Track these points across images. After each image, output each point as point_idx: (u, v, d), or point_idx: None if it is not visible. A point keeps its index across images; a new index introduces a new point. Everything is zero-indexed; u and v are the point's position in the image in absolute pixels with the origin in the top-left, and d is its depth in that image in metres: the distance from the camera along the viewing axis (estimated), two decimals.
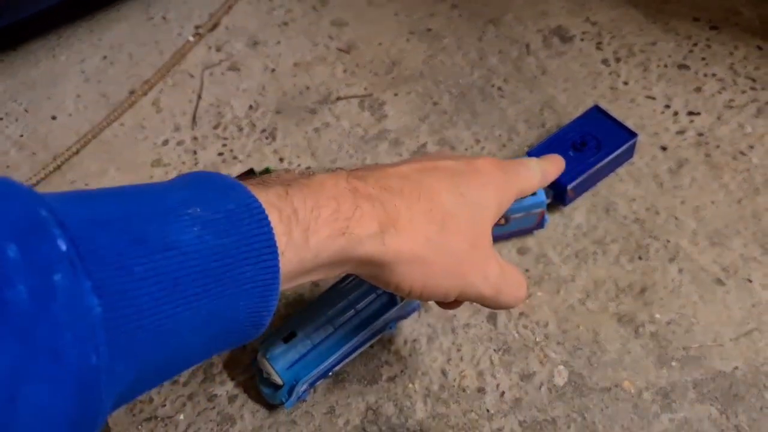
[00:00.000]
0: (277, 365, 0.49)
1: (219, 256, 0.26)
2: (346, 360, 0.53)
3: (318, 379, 0.51)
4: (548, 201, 0.57)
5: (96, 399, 0.22)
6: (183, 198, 0.27)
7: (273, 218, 0.28)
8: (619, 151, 0.58)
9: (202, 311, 0.26)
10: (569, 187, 0.57)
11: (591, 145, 0.59)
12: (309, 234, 0.30)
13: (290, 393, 0.50)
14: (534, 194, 0.55)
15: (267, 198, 0.29)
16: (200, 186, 0.28)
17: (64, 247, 0.21)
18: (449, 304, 0.42)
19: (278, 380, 0.49)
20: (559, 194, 0.58)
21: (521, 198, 0.54)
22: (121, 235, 0.24)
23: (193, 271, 0.25)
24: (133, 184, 0.28)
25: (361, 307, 0.51)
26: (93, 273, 0.22)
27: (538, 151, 0.60)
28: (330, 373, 0.53)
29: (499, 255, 0.40)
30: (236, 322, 0.28)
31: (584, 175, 0.57)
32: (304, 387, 0.50)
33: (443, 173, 0.37)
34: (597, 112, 0.61)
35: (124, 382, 0.24)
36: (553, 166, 0.47)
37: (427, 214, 0.35)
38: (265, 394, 0.51)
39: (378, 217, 0.33)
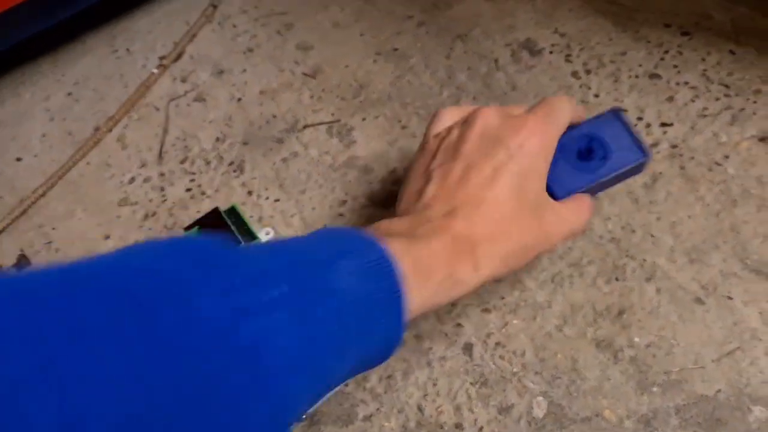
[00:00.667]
0: None
1: (365, 303, 0.33)
2: (321, 400, 0.51)
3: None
4: None
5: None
6: (338, 250, 0.34)
7: (402, 265, 0.35)
8: (625, 169, 0.50)
9: (353, 343, 0.32)
10: (560, 199, 0.49)
11: (597, 155, 0.50)
12: (429, 279, 0.37)
13: None
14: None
15: (397, 248, 0.36)
16: (345, 240, 0.35)
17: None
18: None
19: None
20: None
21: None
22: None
23: (351, 312, 0.32)
24: (281, 241, 0.35)
25: None
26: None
27: None
28: (304, 416, 0.51)
29: (558, 207, 0.46)
30: (372, 356, 0.36)
31: (582, 190, 0.49)
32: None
33: (507, 176, 0.42)
34: (613, 116, 0.51)
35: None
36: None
37: (498, 223, 0.41)
38: None
39: (469, 256, 0.40)
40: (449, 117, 0.48)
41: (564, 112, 0.47)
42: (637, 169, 0.52)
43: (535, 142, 0.43)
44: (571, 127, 0.50)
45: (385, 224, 0.41)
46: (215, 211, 0.57)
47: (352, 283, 0.32)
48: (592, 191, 0.52)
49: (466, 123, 0.46)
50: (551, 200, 0.46)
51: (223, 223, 0.56)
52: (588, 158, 0.50)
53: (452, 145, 0.45)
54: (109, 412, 0.22)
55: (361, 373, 0.53)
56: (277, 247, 0.33)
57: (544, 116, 0.45)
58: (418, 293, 0.36)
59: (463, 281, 0.39)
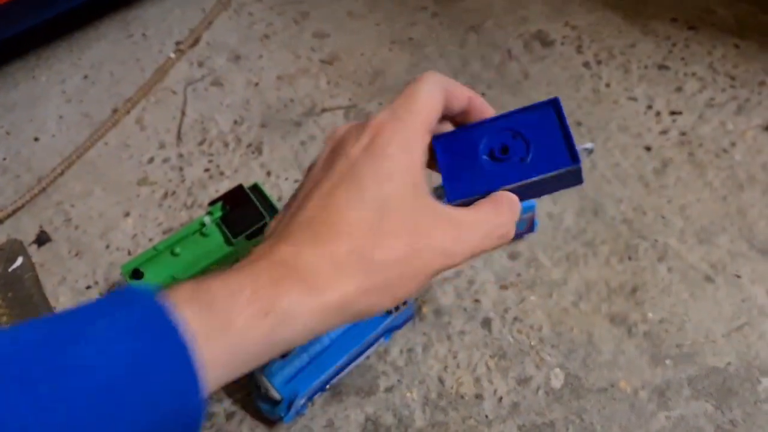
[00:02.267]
0: (275, 381, 0.49)
1: (133, 370, 0.27)
2: (343, 372, 0.53)
3: (316, 392, 0.51)
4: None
5: None
6: (92, 315, 0.28)
7: (187, 315, 0.28)
8: (543, 177, 0.38)
9: (126, 419, 0.26)
10: (450, 202, 0.38)
11: (516, 155, 0.38)
12: (231, 321, 0.29)
13: (289, 407, 0.49)
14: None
15: (178, 296, 0.29)
16: (111, 301, 0.29)
17: None
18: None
19: (276, 395, 0.49)
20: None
21: None
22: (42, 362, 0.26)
23: (109, 387, 0.26)
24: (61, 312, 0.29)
25: None
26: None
27: (445, 143, 0.40)
28: (327, 386, 0.52)
29: (450, 211, 0.36)
30: (163, 425, 0.28)
31: (472, 198, 0.39)
32: (303, 401, 0.50)
33: (346, 184, 0.35)
34: (551, 108, 0.39)
35: None
36: (458, 89, 0.39)
37: (346, 242, 0.33)
38: (263, 410, 0.51)
39: (297, 281, 0.32)
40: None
41: (424, 95, 0.37)
42: (563, 178, 0.38)
43: (382, 142, 0.35)
44: (497, 117, 0.40)
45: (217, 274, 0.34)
46: (239, 188, 0.58)
47: (109, 353, 0.26)
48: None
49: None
50: (438, 205, 0.35)
51: (246, 198, 0.58)
52: (503, 160, 0.38)
53: (304, 176, 0.39)
54: None
55: (381, 347, 0.54)
56: (33, 324, 0.28)
57: (394, 109, 0.37)
58: (217, 345, 0.29)
59: (296, 313, 0.31)
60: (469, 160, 0.39)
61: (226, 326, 0.29)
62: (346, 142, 0.36)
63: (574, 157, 0.37)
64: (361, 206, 0.34)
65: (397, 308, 0.52)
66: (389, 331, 0.54)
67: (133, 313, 0.28)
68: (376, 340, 0.53)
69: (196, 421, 0.29)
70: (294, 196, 0.37)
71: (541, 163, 0.38)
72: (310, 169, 0.38)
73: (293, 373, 0.50)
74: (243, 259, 0.33)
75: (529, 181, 0.38)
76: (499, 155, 0.38)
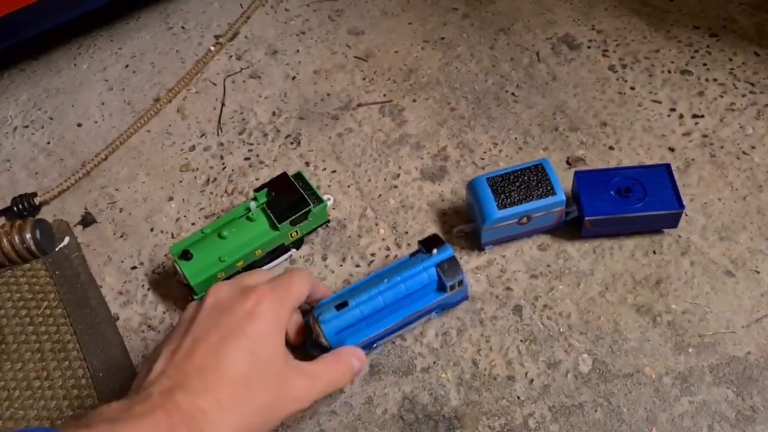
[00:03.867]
0: (327, 329, 0.52)
1: None
2: (390, 337, 0.56)
3: (363, 348, 0.54)
4: (567, 219, 0.60)
5: None
6: None
7: None
8: (656, 213, 0.58)
9: None
10: (587, 218, 0.58)
11: (635, 195, 0.59)
12: None
13: None
14: (554, 194, 0.58)
15: None
16: None
17: None
18: None
19: (326, 343, 0.53)
20: (578, 220, 0.60)
21: (541, 197, 0.57)
22: None
23: None
24: None
25: (412, 287, 0.54)
26: None
27: (584, 177, 0.60)
28: (375, 345, 0.56)
29: (303, 366, 0.48)
30: None
31: (608, 216, 0.58)
32: None
33: (232, 340, 0.44)
34: (665, 170, 0.60)
35: None
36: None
37: (230, 390, 0.42)
38: (313, 355, 0.54)
39: (193, 427, 0.40)
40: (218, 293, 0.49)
41: (297, 282, 0.50)
42: (670, 219, 0.59)
43: (263, 309, 0.45)
44: (621, 168, 0.61)
45: (104, 409, 0.40)
46: (284, 175, 0.61)
47: None
48: (619, 224, 0.60)
49: (201, 299, 0.48)
50: (296, 362, 0.48)
51: (291, 185, 0.60)
52: (627, 196, 0.59)
53: (184, 322, 0.46)
54: None
55: (419, 329, 0.57)
56: None
57: (275, 285, 0.48)
58: None
59: None
60: (602, 193, 0.59)
61: None
62: (232, 302, 0.46)
63: (681, 203, 0.58)
64: (243, 362, 0.43)
65: (452, 287, 0.55)
66: (442, 308, 0.57)
67: None
68: (428, 313, 0.56)
69: None
70: (174, 338, 0.45)
71: (655, 204, 0.58)
72: (189, 317, 0.47)
73: (344, 326, 0.53)
74: (137, 395, 0.41)
75: (644, 214, 0.58)
76: (624, 193, 0.59)
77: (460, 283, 0.55)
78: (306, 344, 0.55)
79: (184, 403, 0.40)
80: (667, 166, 0.60)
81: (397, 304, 0.54)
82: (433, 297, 0.55)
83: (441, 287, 0.55)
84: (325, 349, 0.53)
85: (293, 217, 0.59)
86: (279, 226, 0.59)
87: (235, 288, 0.48)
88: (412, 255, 0.56)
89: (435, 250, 0.54)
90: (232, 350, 0.43)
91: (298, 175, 0.62)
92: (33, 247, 0.61)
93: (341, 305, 0.53)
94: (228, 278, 0.59)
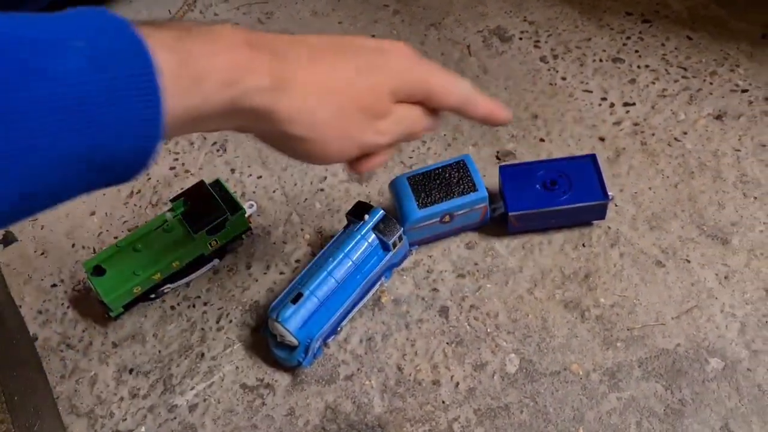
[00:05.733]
0: (290, 326, 0.51)
1: (100, 90, 0.28)
2: (351, 313, 0.55)
3: (329, 334, 0.54)
4: (494, 215, 0.59)
5: None
6: (72, 30, 0.28)
7: (163, 58, 0.29)
8: (581, 205, 0.57)
9: (85, 141, 0.28)
10: (512, 214, 0.57)
11: (560, 188, 0.57)
12: (200, 80, 0.31)
13: (306, 352, 0.52)
14: (475, 191, 0.56)
15: (161, 39, 0.30)
16: (90, 20, 0.29)
17: None
18: (365, 159, 0.43)
19: (293, 340, 0.52)
20: (505, 216, 0.58)
21: (462, 194, 0.56)
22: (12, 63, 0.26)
23: (75, 101, 0.27)
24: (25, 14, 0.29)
25: (358, 258, 0.54)
26: None
27: (508, 172, 0.59)
28: (339, 329, 0.55)
29: (401, 108, 0.41)
30: (118, 158, 0.30)
31: (533, 211, 0.57)
32: (318, 343, 0.53)
33: (348, 51, 0.39)
34: (591, 160, 0.58)
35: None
36: (487, 105, 0.45)
37: (322, 83, 0.37)
38: (280, 358, 0.54)
39: (273, 73, 0.34)
40: None
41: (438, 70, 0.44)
42: (596, 211, 0.58)
43: (397, 50, 0.42)
44: (545, 161, 0.59)
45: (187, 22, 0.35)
46: (200, 183, 0.59)
47: (81, 68, 0.27)
48: (546, 219, 0.58)
49: None
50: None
51: (208, 194, 0.58)
52: (552, 189, 0.57)
53: None
54: None
55: (342, 334, 0.55)
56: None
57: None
58: (181, 98, 0.30)
59: (254, 102, 0.34)
60: (527, 187, 0.57)
61: (195, 84, 0.31)
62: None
63: (605, 195, 0.56)
64: (353, 77, 0.39)
65: (395, 244, 0.55)
66: (389, 269, 0.57)
67: (114, 42, 0.28)
68: (378, 278, 0.56)
69: (145, 166, 0.31)
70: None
71: (580, 196, 0.57)
72: None
73: (306, 317, 0.52)
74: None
75: (568, 206, 0.56)
76: (549, 186, 0.57)
77: (400, 238, 0.55)
78: (269, 348, 0.54)
79: (276, 47, 0.35)
80: (593, 157, 0.59)
81: (348, 279, 0.54)
82: (379, 260, 0.55)
83: (384, 247, 0.55)
84: (293, 348, 0.52)
85: (209, 226, 0.57)
86: (195, 236, 0.57)
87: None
88: (345, 228, 0.56)
89: (366, 216, 0.55)
90: (341, 61, 0.38)
91: (217, 183, 0.60)
92: None
93: (296, 298, 0.52)
94: (147, 291, 0.58)
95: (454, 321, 0.56)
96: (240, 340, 0.57)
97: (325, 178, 0.66)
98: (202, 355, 0.57)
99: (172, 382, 0.56)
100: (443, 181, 0.57)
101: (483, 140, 0.66)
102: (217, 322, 0.58)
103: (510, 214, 0.57)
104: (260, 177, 0.66)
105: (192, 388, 0.55)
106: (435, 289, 0.58)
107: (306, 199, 0.64)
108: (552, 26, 0.74)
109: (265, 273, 0.60)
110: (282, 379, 0.55)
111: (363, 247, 0.55)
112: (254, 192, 0.66)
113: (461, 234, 0.60)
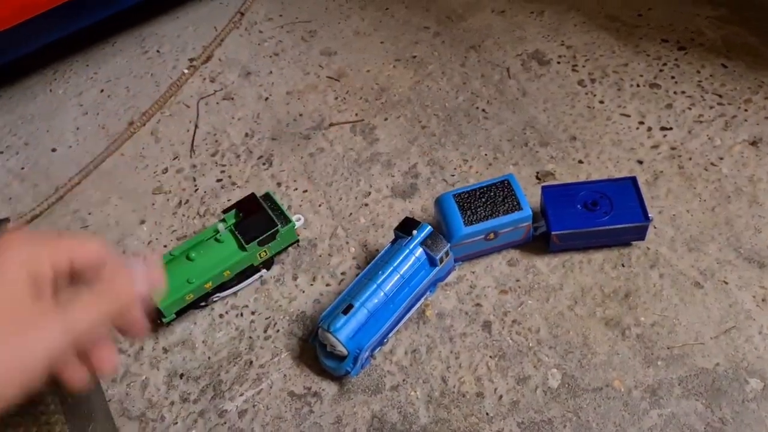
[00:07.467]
0: (341, 336, 0.53)
1: None
2: (397, 326, 0.57)
3: (377, 346, 0.56)
4: (536, 234, 0.61)
5: None
6: None
7: None
8: (622, 226, 0.58)
9: None
10: (555, 233, 0.59)
11: (602, 209, 0.59)
12: None
13: (355, 362, 0.54)
14: (520, 210, 0.58)
15: None
16: None
17: None
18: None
19: (344, 350, 0.53)
20: (546, 235, 0.60)
21: (507, 213, 0.58)
22: None
23: None
24: None
25: (406, 272, 0.56)
26: None
27: (551, 192, 0.60)
28: (385, 340, 0.57)
29: (57, 311, 0.35)
30: None
31: (575, 230, 0.59)
32: (366, 354, 0.54)
33: None
34: (631, 183, 0.60)
35: None
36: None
37: None
38: (329, 367, 0.55)
39: None
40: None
41: (75, 237, 0.37)
42: (637, 232, 0.59)
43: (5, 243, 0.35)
44: (587, 182, 0.61)
45: None
46: (252, 196, 0.61)
47: None
48: (586, 238, 0.60)
49: None
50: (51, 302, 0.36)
51: (259, 206, 0.60)
52: (594, 210, 0.59)
53: None
54: None
55: (388, 346, 0.57)
56: None
57: (42, 232, 0.38)
58: None
59: None
60: (569, 207, 0.59)
61: None
62: None
63: (646, 217, 0.58)
64: None
65: (441, 260, 0.57)
66: (434, 284, 0.59)
67: None
68: (424, 292, 0.58)
69: None
70: None
71: (621, 217, 0.58)
72: None
73: (357, 328, 0.54)
74: None
75: (609, 227, 0.58)
76: (591, 207, 0.59)
77: (447, 254, 0.57)
78: (318, 359, 0.56)
79: None
80: (633, 179, 0.60)
81: (396, 292, 0.56)
82: (426, 274, 0.57)
83: (431, 262, 0.57)
84: (342, 358, 0.54)
85: (261, 237, 0.59)
86: (247, 246, 0.59)
87: None
88: (393, 243, 0.58)
89: (414, 231, 0.57)
90: None
91: (267, 196, 0.62)
92: None
93: (347, 309, 0.54)
94: (198, 300, 0.60)
95: (497, 335, 0.58)
96: (287, 349, 0.59)
97: (369, 193, 0.68)
98: (251, 362, 0.58)
99: (222, 388, 0.57)
100: (488, 199, 0.59)
101: (523, 160, 0.68)
102: (265, 331, 0.60)
103: (553, 233, 0.59)
104: (306, 191, 0.68)
105: (241, 395, 0.57)
106: (478, 304, 0.59)
107: (351, 213, 0.66)
108: (589, 51, 0.77)
109: (311, 284, 0.62)
110: (329, 388, 0.56)
111: (411, 262, 0.56)
112: (300, 205, 0.68)
113: (503, 251, 0.62)
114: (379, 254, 0.58)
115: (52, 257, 0.36)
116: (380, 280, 0.55)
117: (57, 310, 0.35)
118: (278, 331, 0.60)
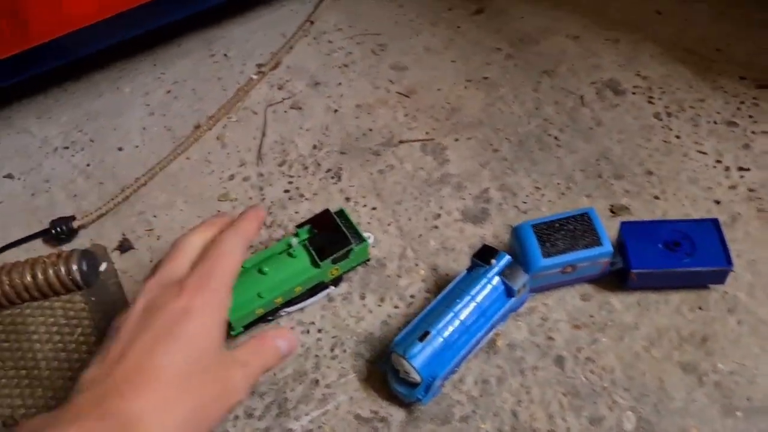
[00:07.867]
0: (417, 363, 0.52)
1: None
2: (470, 355, 0.56)
3: (449, 374, 0.55)
4: (611, 270, 0.60)
5: None
6: None
7: None
8: (703, 269, 0.57)
9: None
10: (633, 270, 0.58)
11: (683, 250, 0.58)
12: None
13: (427, 390, 0.53)
14: (600, 245, 0.57)
15: None
16: None
17: None
18: None
19: (417, 378, 0.52)
20: (622, 272, 0.59)
21: (587, 247, 0.56)
22: None
23: None
24: None
25: (482, 301, 0.55)
26: None
27: (630, 229, 0.60)
28: (457, 369, 0.56)
29: (234, 356, 0.43)
30: None
31: (654, 270, 0.57)
32: (439, 382, 0.53)
33: (166, 341, 0.40)
34: (712, 225, 0.59)
35: None
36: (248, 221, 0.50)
37: (164, 391, 0.38)
38: (399, 393, 0.54)
39: None
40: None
41: (228, 256, 0.46)
42: (717, 276, 0.59)
43: (197, 305, 0.41)
44: (669, 221, 0.60)
45: (29, 422, 0.38)
46: (326, 212, 0.61)
47: None
48: (665, 278, 0.59)
49: (132, 301, 0.45)
50: (228, 353, 0.43)
51: (333, 223, 0.60)
52: (675, 250, 0.58)
53: (114, 327, 0.43)
54: None
55: (457, 375, 0.56)
56: None
57: (206, 273, 0.44)
58: None
59: None
60: (649, 245, 0.58)
61: None
62: (164, 300, 0.42)
63: (729, 261, 0.57)
64: (178, 362, 0.39)
65: (519, 291, 0.56)
66: (506, 314, 0.58)
67: None
68: (499, 322, 0.57)
69: None
70: (104, 347, 0.41)
71: (703, 260, 0.57)
72: (122, 320, 0.42)
73: (431, 356, 0.53)
74: (67, 405, 0.37)
75: (691, 269, 0.57)
76: (672, 247, 0.58)
77: (525, 285, 0.56)
78: (389, 383, 0.55)
79: (116, 409, 0.37)
80: (715, 221, 0.59)
81: (472, 321, 0.55)
82: (502, 304, 0.56)
83: (508, 293, 0.56)
84: (414, 385, 0.54)
85: (335, 255, 0.58)
86: (320, 263, 0.58)
87: (164, 284, 0.44)
88: (469, 270, 0.58)
89: (493, 260, 0.56)
90: (167, 350, 0.40)
91: (341, 212, 0.62)
92: (78, 280, 0.61)
93: (423, 336, 0.53)
94: (266, 314, 0.59)
95: (570, 372, 0.57)
96: (354, 370, 0.58)
97: (440, 216, 0.67)
98: (317, 381, 0.57)
99: (287, 406, 0.56)
100: (568, 232, 0.58)
101: (597, 192, 0.67)
102: (332, 350, 0.59)
103: (632, 270, 0.58)
104: (374, 208, 0.68)
105: (307, 414, 0.56)
106: (550, 338, 0.58)
107: (420, 234, 0.66)
108: (665, 83, 0.75)
109: (379, 305, 0.61)
110: (397, 414, 0.55)
111: (488, 291, 0.55)
112: (369, 222, 0.67)
113: (576, 285, 0.61)
114: (455, 281, 0.57)
115: (227, 297, 0.44)
116: (457, 308, 0.54)
117: (238, 366, 0.43)
118: (345, 351, 0.59)
